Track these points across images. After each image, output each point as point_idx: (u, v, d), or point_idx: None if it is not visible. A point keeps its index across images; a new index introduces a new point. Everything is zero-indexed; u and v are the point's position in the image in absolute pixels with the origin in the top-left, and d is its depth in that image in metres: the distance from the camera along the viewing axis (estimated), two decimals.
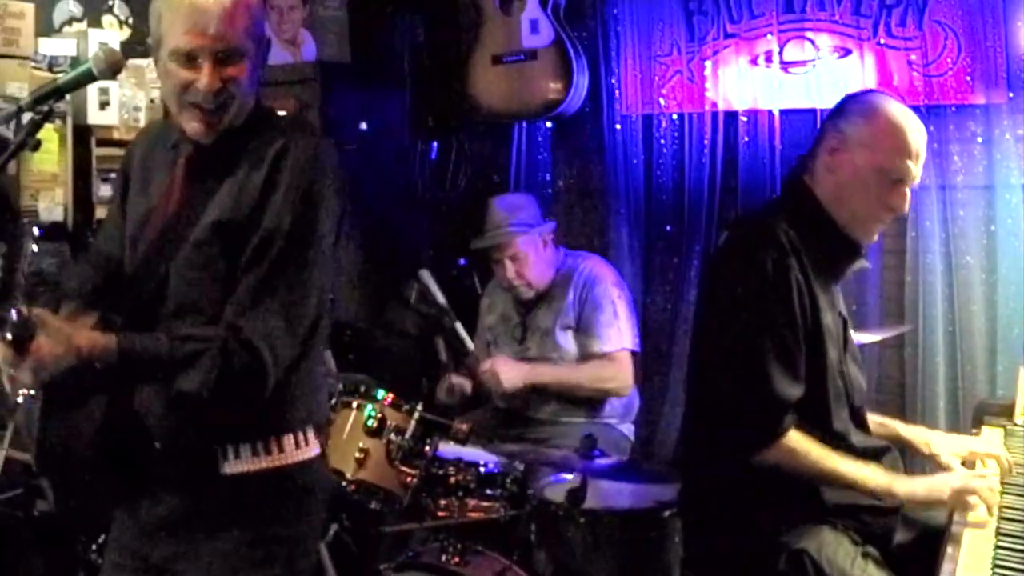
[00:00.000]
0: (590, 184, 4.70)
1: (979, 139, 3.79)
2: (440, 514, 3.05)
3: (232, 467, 1.96)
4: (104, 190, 3.96)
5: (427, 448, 3.07)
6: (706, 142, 4.31)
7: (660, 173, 4.44)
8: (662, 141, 4.43)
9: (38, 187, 3.82)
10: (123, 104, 4.09)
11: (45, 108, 1.88)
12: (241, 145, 1.96)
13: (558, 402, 3.62)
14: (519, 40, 4.50)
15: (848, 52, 3.99)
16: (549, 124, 4.74)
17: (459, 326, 3.71)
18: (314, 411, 2.07)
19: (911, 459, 2.83)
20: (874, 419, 2.60)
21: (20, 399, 1.82)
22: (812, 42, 4.06)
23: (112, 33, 4.29)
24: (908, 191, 2.39)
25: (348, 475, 3.00)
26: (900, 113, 2.38)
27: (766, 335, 2.25)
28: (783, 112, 4.15)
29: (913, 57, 3.86)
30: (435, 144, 4.95)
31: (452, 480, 3.07)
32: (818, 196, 2.40)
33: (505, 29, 4.54)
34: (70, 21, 4.26)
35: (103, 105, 4.01)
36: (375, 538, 3.30)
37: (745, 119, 4.23)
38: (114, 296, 2.03)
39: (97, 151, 4.03)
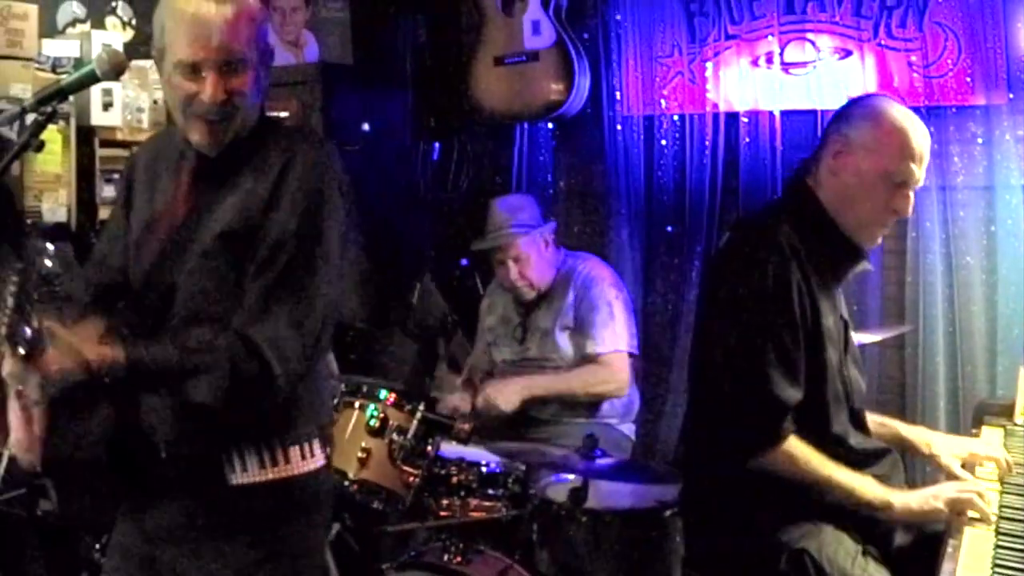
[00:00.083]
0: (591, 185, 4.70)
1: (979, 140, 3.79)
2: (442, 514, 3.06)
3: (239, 478, 1.96)
4: (107, 191, 3.97)
5: (429, 448, 3.08)
6: (707, 143, 4.31)
7: (661, 174, 4.44)
8: (663, 142, 4.43)
9: (42, 188, 3.83)
10: (126, 105, 4.09)
11: (49, 109, 1.87)
12: (247, 155, 1.96)
13: (559, 403, 3.62)
14: (521, 41, 4.50)
15: (849, 53, 3.99)
16: (551, 125, 4.75)
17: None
18: (320, 421, 2.07)
19: (911, 460, 2.84)
20: (874, 419, 2.60)
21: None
22: (813, 43, 4.06)
23: (115, 34, 4.30)
24: (911, 194, 2.40)
25: (350, 475, 3.01)
26: (903, 116, 2.38)
27: (766, 337, 2.26)
28: (784, 113, 4.15)
29: (913, 58, 3.85)
30: (437, 145, 4.96)
31: (454, 480, 3.08)
32: (821, 199, 2.41)
33: (507, 30, 4.54)
34: (73, 22, 4.27)
35: (106, 106, 4.02)
36: (377, 537, 3.31)
37: (746, 120, 4.23)
38: (117, 301, 2.03)
39: (101, 152, 4.04)
